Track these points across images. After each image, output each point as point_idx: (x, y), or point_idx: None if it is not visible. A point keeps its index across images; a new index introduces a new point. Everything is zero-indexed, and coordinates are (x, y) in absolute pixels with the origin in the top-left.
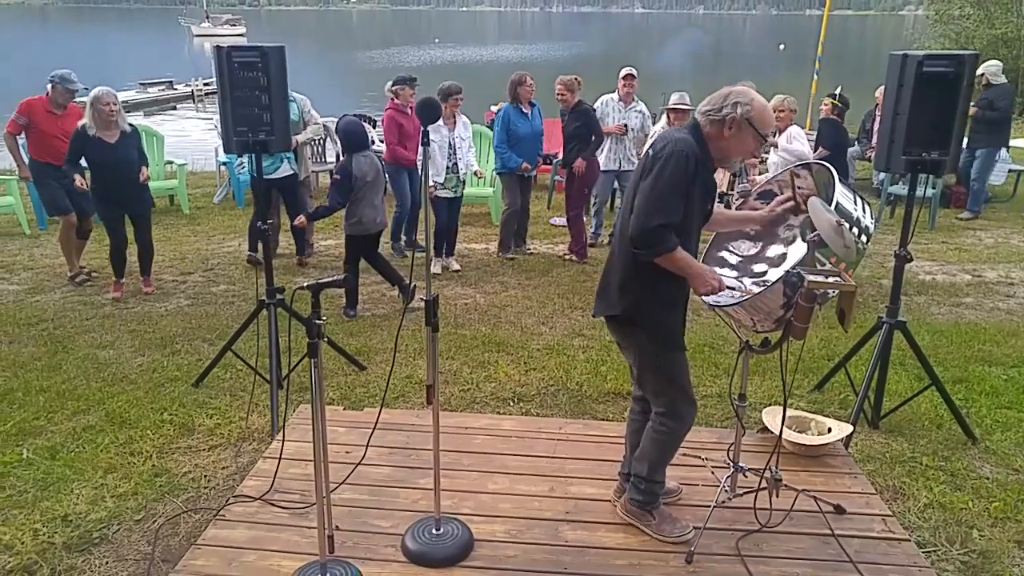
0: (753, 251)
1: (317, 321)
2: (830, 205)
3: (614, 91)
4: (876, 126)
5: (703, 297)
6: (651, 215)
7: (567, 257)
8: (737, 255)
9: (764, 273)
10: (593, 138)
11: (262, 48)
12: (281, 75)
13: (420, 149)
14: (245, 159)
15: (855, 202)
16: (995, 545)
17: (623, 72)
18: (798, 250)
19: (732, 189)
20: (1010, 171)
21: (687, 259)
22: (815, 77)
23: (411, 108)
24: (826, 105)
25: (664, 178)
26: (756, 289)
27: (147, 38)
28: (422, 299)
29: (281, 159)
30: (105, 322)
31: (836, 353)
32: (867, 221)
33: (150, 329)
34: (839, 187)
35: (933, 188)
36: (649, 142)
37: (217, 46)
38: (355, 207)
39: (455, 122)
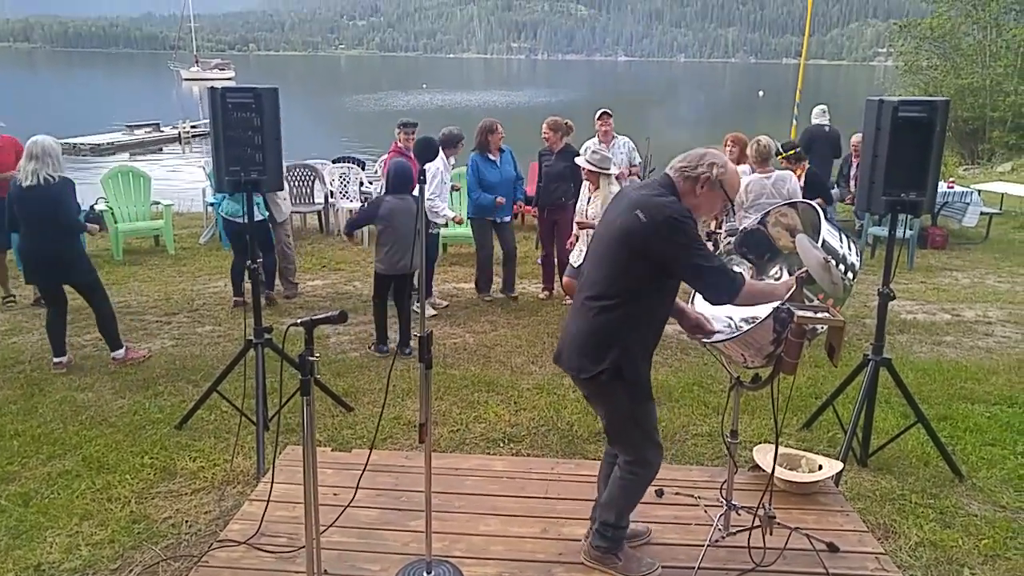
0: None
1: (310, 358)
2: (817, 243)
3: (595, 135)
4: (853, 171)
5: (695, 334)
6: (716, 277)
7: (542, 296)
8: None
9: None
10: (572, 185)
11: (256, 89)
12: (274, 116)
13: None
14: (220, 200)
15: (841, 240)
16: None
17: (599, 112)
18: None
19: (720, 228)
20: (982, 214)
21: (760, 283)
22: (794, 123)
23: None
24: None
25: (690, 241)
26: (746, 326)
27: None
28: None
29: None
30: (85, 364)
31: (823, 391)
32: (853, 258)
33: (131, 371)
34: (825, 225)
35: (911, 229)
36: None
37: (211, 87)
38: (379, 245)
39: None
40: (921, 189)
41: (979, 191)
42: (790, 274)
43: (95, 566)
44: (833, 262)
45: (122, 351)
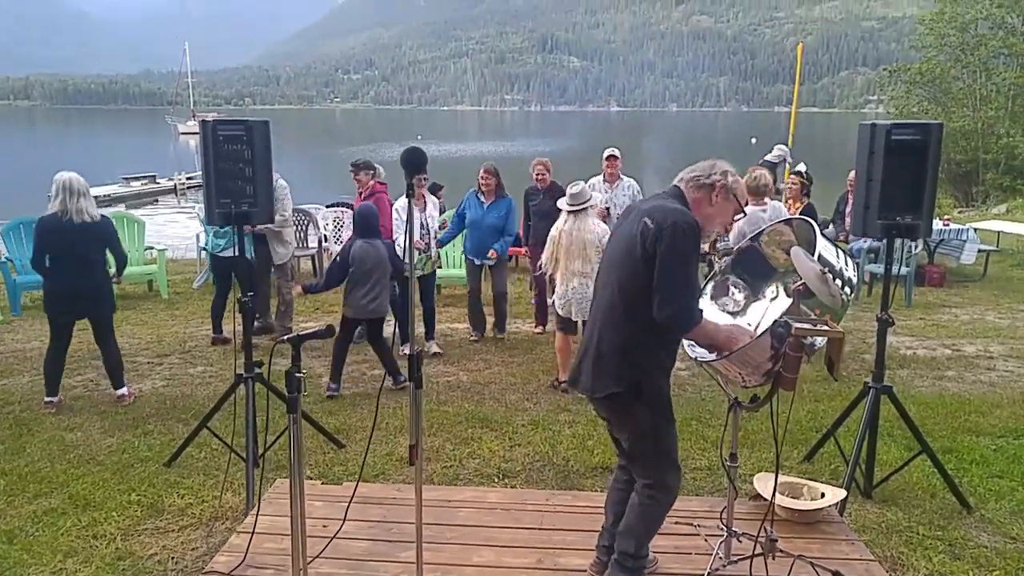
0: (737, 308)
1: (297, 375)
2: (813, 256)
3: (599, 174)
4: (849, 207)
5: (689, 351)
6: (681, 294)
7: (536, 331)
8: (723, 313)
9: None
10: None
11: (247, 122)
12: (265, 149)
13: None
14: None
15: (837, 255)
16: None
17: (606, 153)
18: (782, 304)
19: (714, 249)
20: (980, 251)
21: (714, 325)
22: (787, 167)
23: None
24: (795, 185)
25: (683, 253)
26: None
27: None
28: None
29: (231, 240)
30: (75, 404)
31: (823, 425)
32: (849, 273)
33: (121, 411)
34: (821, 240)
35: (907, 266)
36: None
37: (203, 120)
38: (350, 289)
39: (424, 201)
40: (917, 212)
41: (975, 229)
42: (786, 292)
43: None
44: (830, 275)
45: (125, 389)
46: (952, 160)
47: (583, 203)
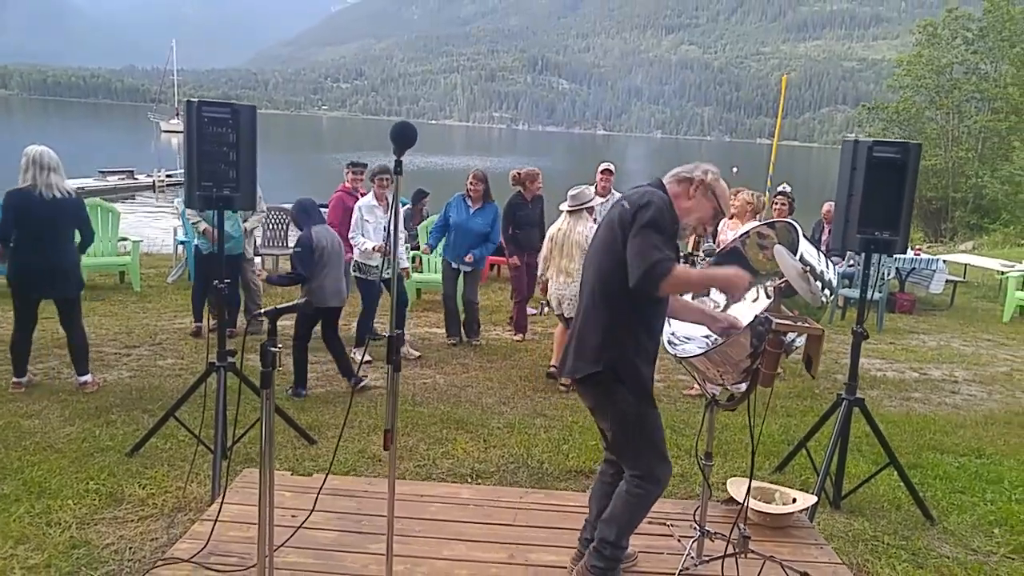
0: (718, 309)
1: (272, 349)
2: (795, 256)
3: (593, 184)
4: (825, 237)
5: (669, 348)
6: (650, 254)
7: (516, 339)
8: None
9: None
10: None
11: (233, 105)
12: (251, 133)
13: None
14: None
15: (818, 257)
16: None
17: (601, 167)
18: (762, 306)
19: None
20: (948, 281)
21: (698, 272)
22: (766, 196)
23: (360, 194)
24: (783, 206)
25: (654, 222)
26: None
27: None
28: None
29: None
30: (33, 391)
31: (795, 438)
32: (830, 275)
33: (83, 399)
34: (803, 242)
35: (880, 292)
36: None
37: (188, 100)
38: (317, 276)
39: (387, 203)
40: (895, 228)
41: (944, 260)
42: (767, 294)
43: None
44: (811, 274)
45: (89, 376)
46: (923, 197)
47: (582, 204)
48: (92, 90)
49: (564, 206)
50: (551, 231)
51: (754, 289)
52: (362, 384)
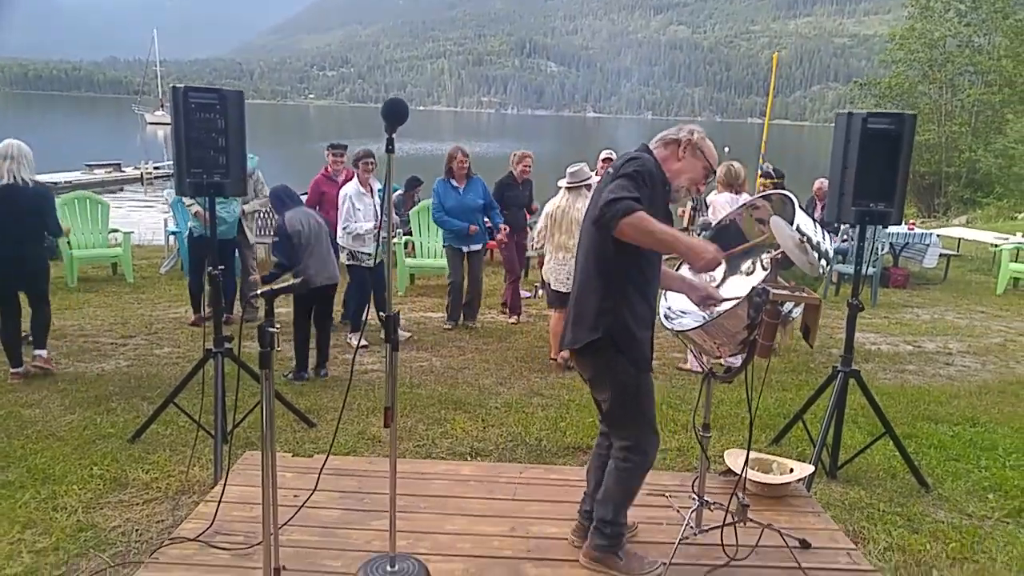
0: (714, 284)
1: (271, 329)
2: (792, 226)
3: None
4: (817, 214)
5: (666, 323)
6: (614, 193)
7: (511, 321)
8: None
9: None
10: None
11: (221, 91)
12: (239, 119)
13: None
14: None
15: (815, 228)
16: None
17: (602, 155)
18: (758, 277)
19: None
20: (941, 255)
21: (664, 226)
22: (759, 176)
23: (346, 177)
24: (765, 188)
25: (628, 172)
26: (722, 306)
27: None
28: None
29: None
30: (32, 382)
31: (791, 411)
32: (826, 245)
33: (82, 388)
34: (799, 213)
35: (874, 267)
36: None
37: (174, 86)
38: (301, 260)
39: (371, 188)
40: (889, 200)
41: (938, 235)
42: (763, 266)
43: (37, 572)
44: (808, 245)
45: (45, 352)
46: (916, 172)
47: (581, 181)
48: (74, 83)
49: (563, 182)
50: (548, 207)
51: (750, 261)
52: (325, 375)
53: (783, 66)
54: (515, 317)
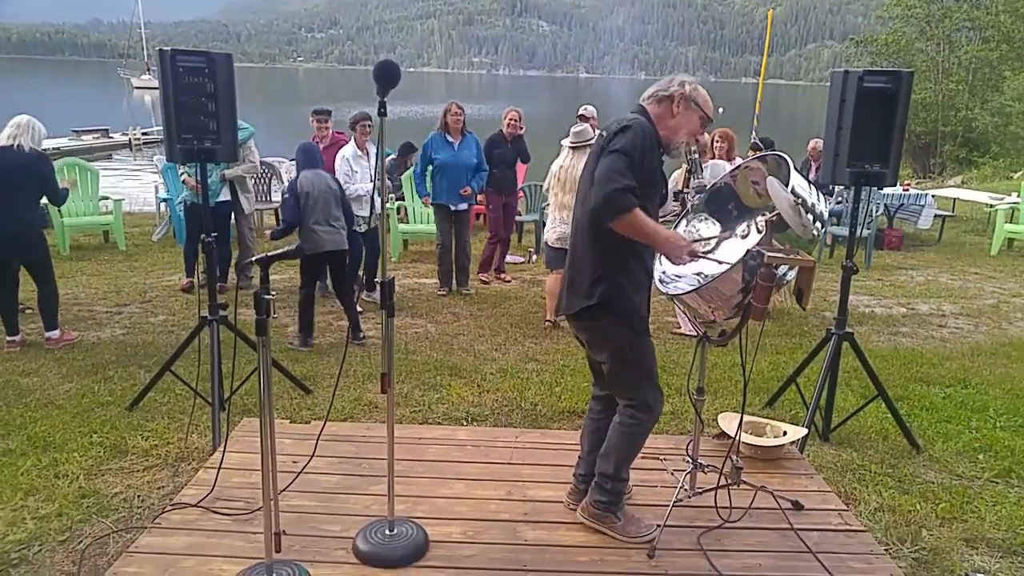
0: (708, 247)
1: (266, 296)
2: (787, 188)
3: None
4: (812, 176)
5: (660, 287)
6: (611, 180)
7: (484, 278)
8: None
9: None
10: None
11: (209, 54)
12: (228, 83)
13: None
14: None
15: (810, 189)
16: (944, 543)
17: (579, 111)
18: (753, 240)
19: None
20: (936, 216)
21: (651, 223)
22: (753, 137)
23: (337, 142)
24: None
25: (623, 147)
26: (716, 269)
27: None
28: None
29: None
30: (28, 351)
31: (784, 375)
32: (821, 207)
33: (79, 357)
34: (794, 175)
35: (868, 229)
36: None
37: (161, 49)
38: (306, 223)
39: (367, 152)
40: (885, 161)
41: (933, 195)
42: (758, 229)
43: (42, 538)
44: (802, 207)
45: (57, 332)
46: (912, 132)
47: (584, 141)
48: (58, 47)
49: (567, 141)
50: (553, 167)
51: (745, 224)
52: (363, 338)
53: (778, 23)
54: (485, 274)
